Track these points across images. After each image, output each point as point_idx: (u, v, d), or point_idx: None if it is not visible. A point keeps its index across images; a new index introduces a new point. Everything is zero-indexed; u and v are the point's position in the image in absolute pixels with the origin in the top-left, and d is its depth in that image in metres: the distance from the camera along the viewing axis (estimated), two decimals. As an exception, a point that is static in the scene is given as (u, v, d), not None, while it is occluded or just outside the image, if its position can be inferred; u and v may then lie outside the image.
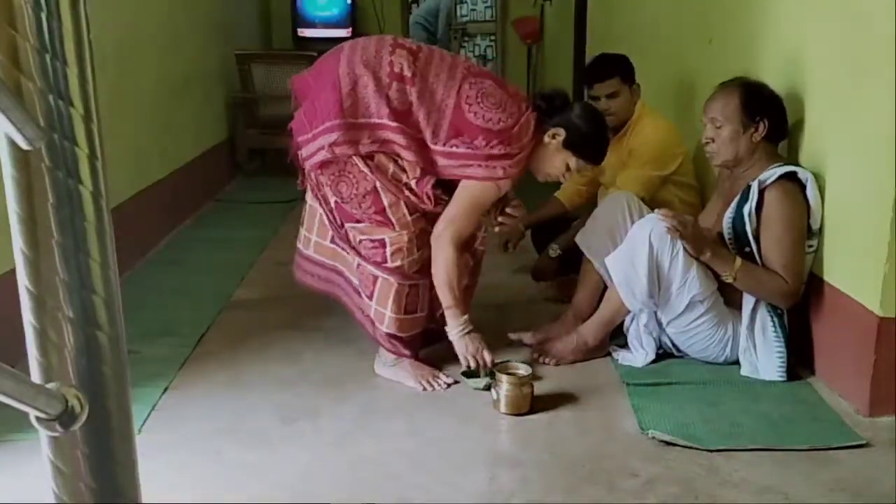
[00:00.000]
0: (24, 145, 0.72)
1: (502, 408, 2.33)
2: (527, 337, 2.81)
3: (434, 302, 2.58)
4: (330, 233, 2.58)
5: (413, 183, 2.45)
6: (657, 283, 2.47)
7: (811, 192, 2.43)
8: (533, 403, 2.35)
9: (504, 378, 2.34)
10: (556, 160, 2.54)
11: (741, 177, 2.57)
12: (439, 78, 2.42)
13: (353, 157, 2.40)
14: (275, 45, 7.03)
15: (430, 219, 2.51)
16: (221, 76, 5.50)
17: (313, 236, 2.65)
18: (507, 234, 3.42)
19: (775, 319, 2.46)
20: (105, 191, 0.78)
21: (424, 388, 2.49)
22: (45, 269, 0.75)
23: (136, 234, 3.70)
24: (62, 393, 0.73)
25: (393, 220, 2.45)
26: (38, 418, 0.72)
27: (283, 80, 5.50)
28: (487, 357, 2.48)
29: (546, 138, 2.51)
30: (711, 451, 2.10)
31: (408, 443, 2.19)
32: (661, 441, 2.14)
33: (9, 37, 0.71)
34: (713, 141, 2.57)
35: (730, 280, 2.44)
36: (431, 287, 2.54)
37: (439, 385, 2.51)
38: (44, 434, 0.76)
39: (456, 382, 2.53)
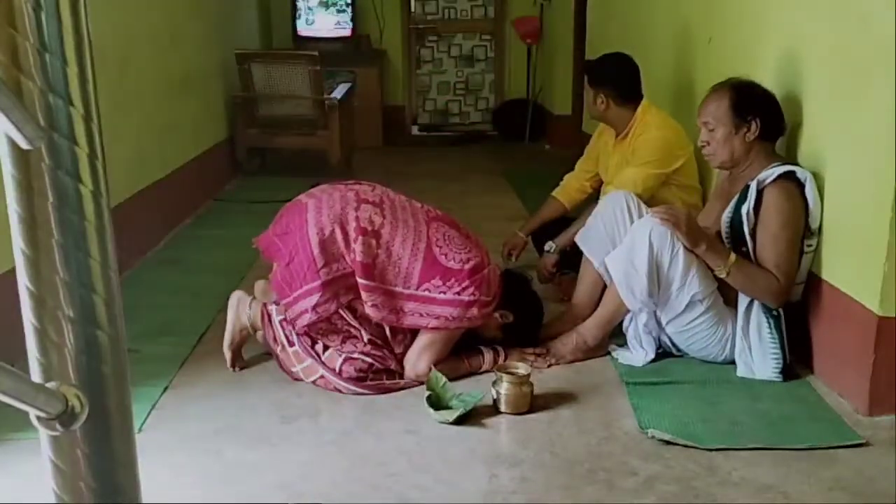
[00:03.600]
0: (24, 145, 0.72)
1: (502, 407, 2.33)
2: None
3: None
4: None
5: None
6: (657, 282, 2.47)
7: (810, 191, 2.44)
8: (533, 402, 2.35)
9: (504, 377, 2.34)
10: (492, 331, 2.65)
11: (740, 177, 2.58)
12: (408, 225, 2.51)
13: (339, 311, 2.45)
14: (275, 45, 7.03)
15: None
16: (221, 75, 5.49)
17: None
18: (510, 245, 3.45)
19: (771, 321, 2.46)
20: (105, 190, 0.78)
21: None
22: (46, 269, 0.75)
23: (136, 234, 3.70)
24: (62, 392, 0.73)
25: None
26: (38, 417, 0.72)
27: (283, 79, 5.51)
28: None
29: (496, 314, 2.59)
30: (711, 450, 2.10)
31: (408, 442, 2.19)
32: (661, 440, 2.14)
33: (9, 36, 0.71)
34: (708, 144, 2.59)
35: (723, 275, 2.44)
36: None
37: None
38: (44, 433, 0.76)
39: None
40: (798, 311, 2.53)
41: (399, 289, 2.45)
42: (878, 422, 2.24)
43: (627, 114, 3.18)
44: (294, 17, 7.03)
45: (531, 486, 1.98)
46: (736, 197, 2.52)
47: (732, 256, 2.44)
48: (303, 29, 7.04)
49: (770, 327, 2.46)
